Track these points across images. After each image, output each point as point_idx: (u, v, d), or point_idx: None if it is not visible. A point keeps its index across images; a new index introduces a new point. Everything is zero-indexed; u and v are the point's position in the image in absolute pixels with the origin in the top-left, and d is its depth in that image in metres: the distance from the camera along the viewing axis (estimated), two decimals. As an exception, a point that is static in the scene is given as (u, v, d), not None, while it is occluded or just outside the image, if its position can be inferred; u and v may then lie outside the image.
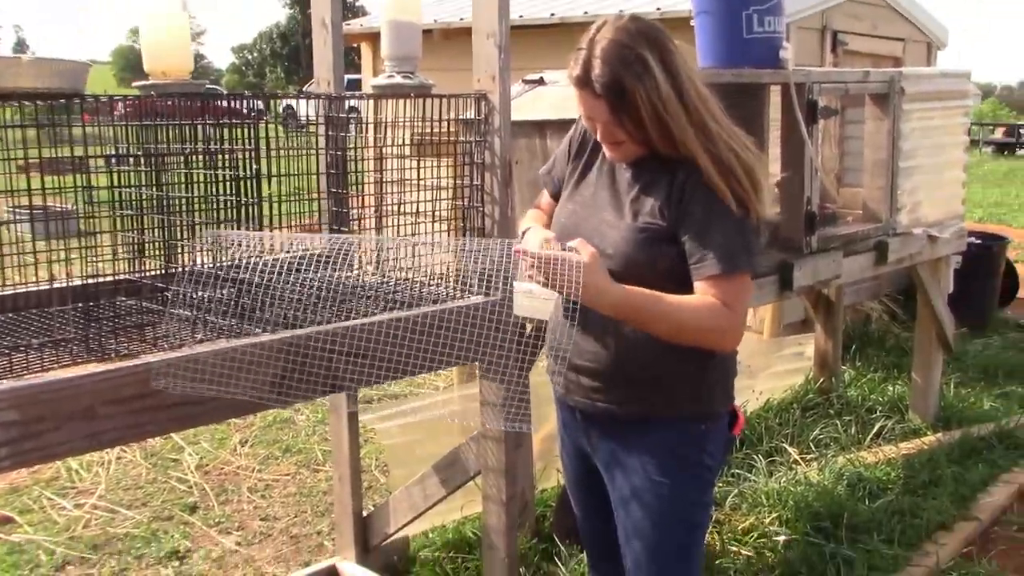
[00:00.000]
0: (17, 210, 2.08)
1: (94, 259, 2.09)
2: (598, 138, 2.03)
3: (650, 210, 1.97)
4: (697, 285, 1.94)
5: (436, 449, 3.29)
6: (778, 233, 3.26)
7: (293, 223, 2.36)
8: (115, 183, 2.17)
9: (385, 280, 2.50)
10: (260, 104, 2.28)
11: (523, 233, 2.19)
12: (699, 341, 1.98)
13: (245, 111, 2.18)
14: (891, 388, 5.10)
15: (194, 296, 2.11)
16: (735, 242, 1.93)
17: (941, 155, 4.07)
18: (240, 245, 1.93)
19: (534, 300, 2.65)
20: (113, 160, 2.20)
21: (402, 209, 2.51)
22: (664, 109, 1.88)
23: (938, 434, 4.53)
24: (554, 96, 3.14)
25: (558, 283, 1.85)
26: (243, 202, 2.04)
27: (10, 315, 2.21)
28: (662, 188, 1.97)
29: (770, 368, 5.22)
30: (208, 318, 2.04)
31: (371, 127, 2.52)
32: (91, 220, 2.10)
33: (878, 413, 4.68)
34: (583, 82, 1.93)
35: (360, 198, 2.59)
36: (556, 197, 2.26)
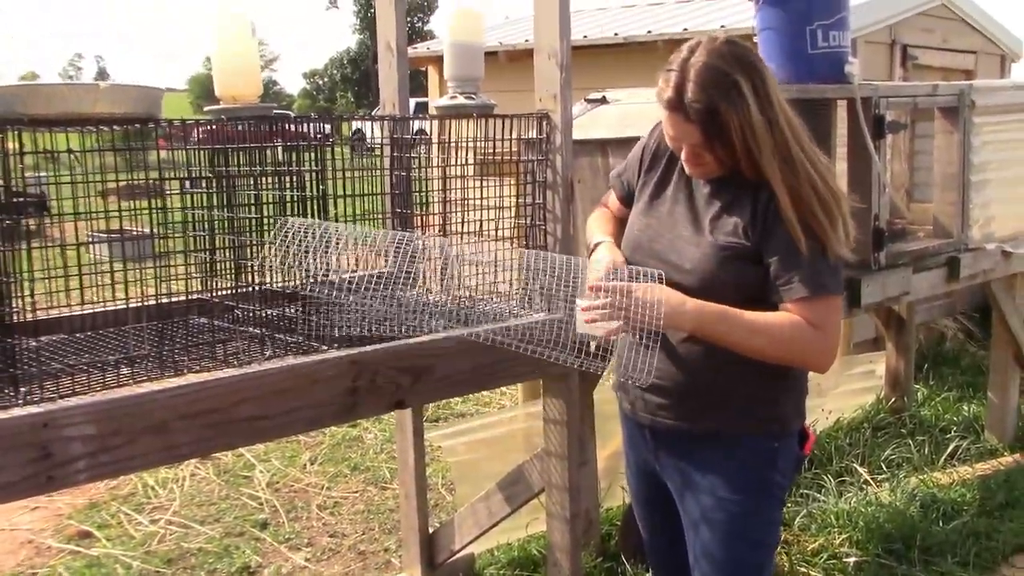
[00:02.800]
0: (97, 234, 2.15)
1: (167, 279, 2.16)
2: (682, 159, 2.01)
3: (732, 229, 1.96)
4: (784, 307, 1.92)
5: (502, 467, 3.31)
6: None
7: (359, 243, 2.41)
8: (187, 205, 2.24)
9: (449, 297, 2.53)
10: (327, 127, 2.33)
11: (594, 247, 2.19)
12: (787, 359, 1.96)
13: (312, 134, 2.23)
14: (966, 408, 4.98)
15: (264, 314, 2.16)
16: (822, 264, 1.92)
17: (1015, 168, 3.98)
18: (309, 235, 1.94)
19: (597, 317, 2.65)
20: (187, 184, 2.27)
21: (465, 228, 2.54)
22: (754, 138, 1.87)
23: (1015, 454, 4.42)
24: (616, 114, 3.16)
25: (633, 319, 1.86)
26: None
27: (89, 334, 2.28)
28: (745, 207, 1.95)
29: (840, 387, 5.13)
30: (276, 336, 2.09)
31: (435, 147, 2.56)
32: (165, 241, 2.16)
33: (952, 433, 4.57)
34: (675, 105, 1.90)
35: (423, 218, 2.63)
36: (624, 201, 2.26)
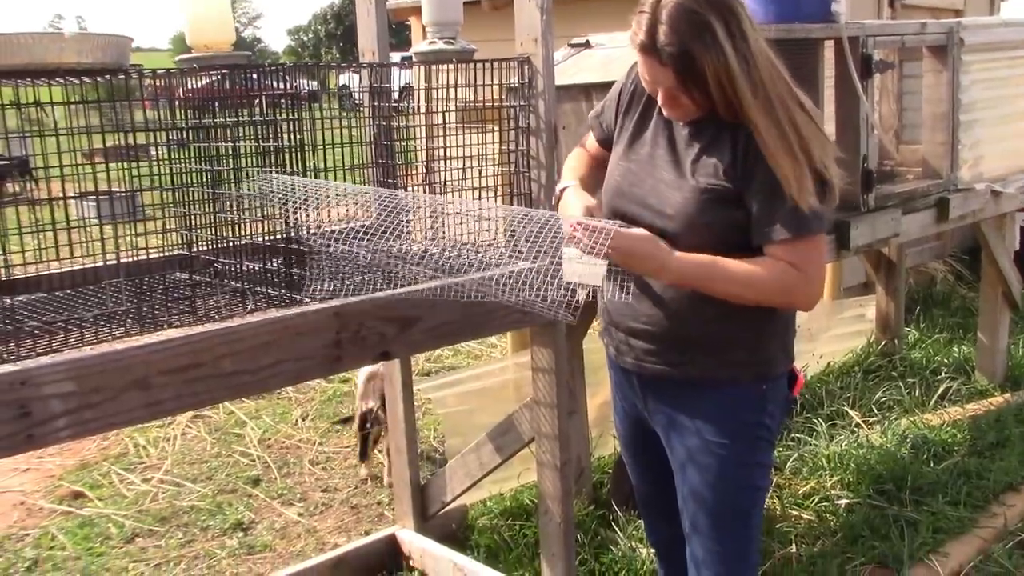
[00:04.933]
0: (83, 194, 2.10)
1: (145, 234, 2.12)
2: (659, 101, 1.97)
3: (713, 171, 1.93)
4: (766, 249, 1.90)
5: (492, 418, 3.30)
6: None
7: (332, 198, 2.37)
8: (165, 161, 2.19)
9: (434, 247, 2.49)
10: (303, 80, 2.28)
11: (562, 191, 2.16)
12: (771, 302, 1.95)
13: (287, 87, 2.18)
14: (956, 349, 4.99)
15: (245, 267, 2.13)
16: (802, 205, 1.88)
17: (1005, 107, 3.94)
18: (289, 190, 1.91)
19: (584, 266, 2.63)
20: (167, 137, 2.22)
21: (449, 177, 2.50)
22: (729, 81, 1.82)
23: (1006, 394, 4.44)
24: (599, 59, 3.11)
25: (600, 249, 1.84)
26: (288, 173, 2.05)
27: (68, 291, 2.25)
28: (725, 148, 1.92)
29: (830, 331, 5.13)
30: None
31: (416, 94, 2.51)
32: (144, 198, 2.13)
33: (943, 375, 4.59)
34: (648, 48, 1.86)
35: (406, 168, 2.59)
36: (602, 142, 2.23)
